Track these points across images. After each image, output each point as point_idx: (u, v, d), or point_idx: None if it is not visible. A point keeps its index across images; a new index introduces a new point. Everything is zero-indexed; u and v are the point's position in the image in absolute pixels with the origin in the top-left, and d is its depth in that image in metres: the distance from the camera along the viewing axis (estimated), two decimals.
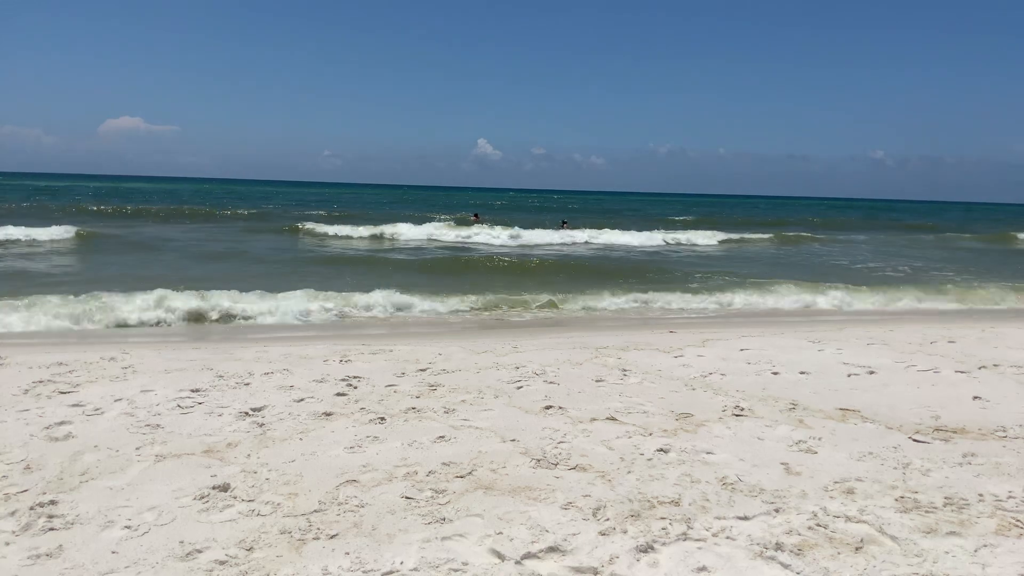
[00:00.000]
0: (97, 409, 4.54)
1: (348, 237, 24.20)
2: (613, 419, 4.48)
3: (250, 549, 2.77)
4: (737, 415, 4.62)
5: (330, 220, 29.77)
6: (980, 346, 7.26)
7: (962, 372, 5.97)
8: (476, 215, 35.94)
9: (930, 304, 12.44)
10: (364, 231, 25.07)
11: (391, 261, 17.70)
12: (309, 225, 25.81)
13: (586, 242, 24.72)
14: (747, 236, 27.66)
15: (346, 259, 17.82)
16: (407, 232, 25.34)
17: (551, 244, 24.23)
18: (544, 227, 27.98)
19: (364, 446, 3.93)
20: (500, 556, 2.72)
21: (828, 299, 12.29)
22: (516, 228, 26.35)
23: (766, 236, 27.90)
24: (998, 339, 7.76)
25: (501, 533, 2.90)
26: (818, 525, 2.99)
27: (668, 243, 25.35)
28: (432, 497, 3.26)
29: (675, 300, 11.97)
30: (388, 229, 25.47)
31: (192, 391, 5.03)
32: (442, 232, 26.00)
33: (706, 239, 26.26)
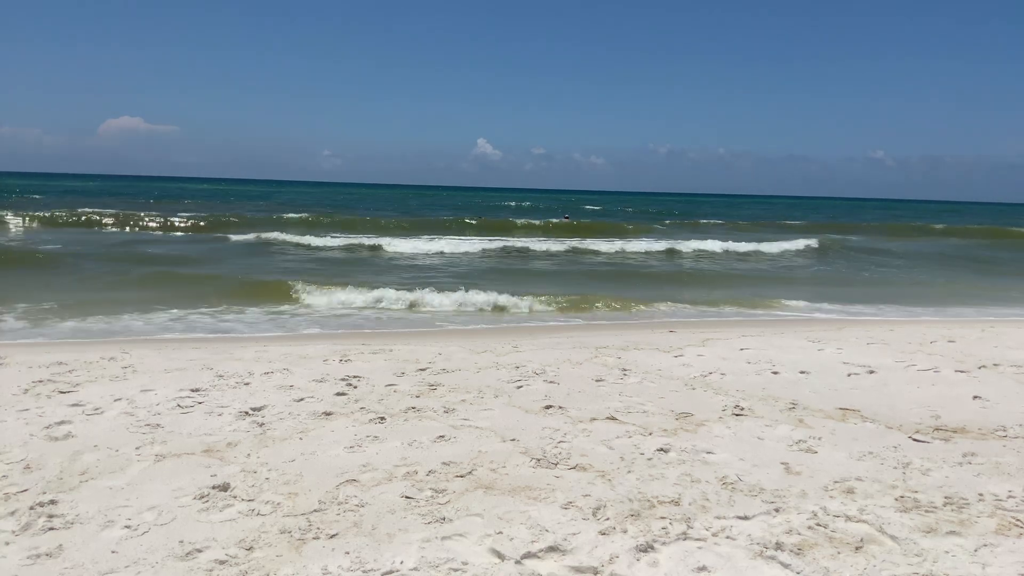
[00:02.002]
0: (97, 409, 4.53)
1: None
2: (613, 419, 4.48)
3: (250, 549, 2.76)
4: (737, 415, 4.62)
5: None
6: (980, 346, 7.26)
7: (962, 372, 5.97)
8: (481, 218, 35.80)
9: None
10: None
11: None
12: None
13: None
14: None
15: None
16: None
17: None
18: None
19: (364, 446, 3.93)
20: (500, 556, 2.72)
21: None
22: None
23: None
24: (998, 339, 7.76)
25: (501, 533, 2.90)
26: (818, 525, 2.99)
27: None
28: (432, 497, 3.26)
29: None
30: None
31: (192, 391, 5.03)
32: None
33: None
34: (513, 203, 67.23)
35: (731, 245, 23.69)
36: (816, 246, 24.67)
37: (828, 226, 38.90)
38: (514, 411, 4.65)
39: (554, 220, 34.00)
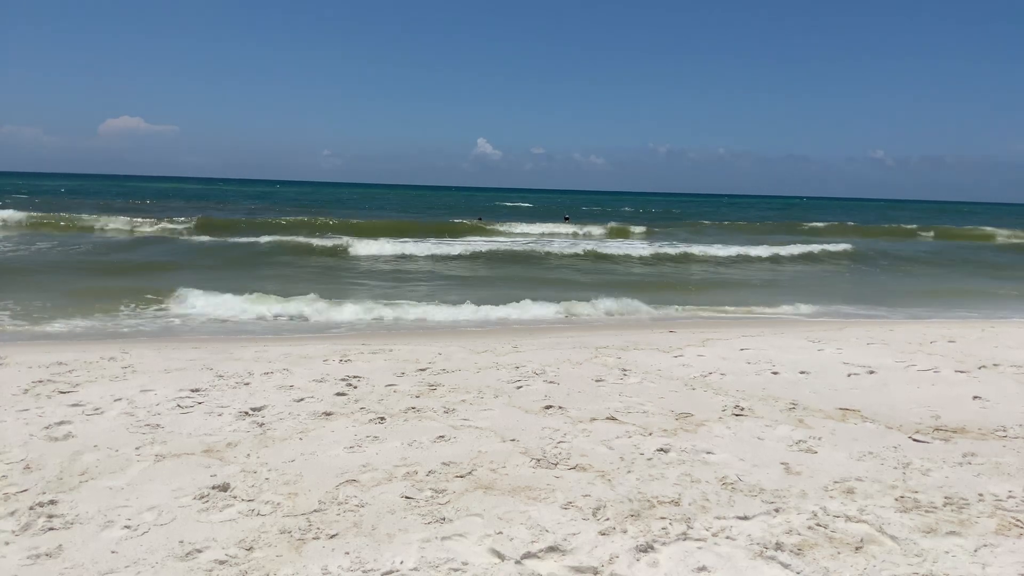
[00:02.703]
0: (97, 409, 4.53)
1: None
2: (613, 419, 4.48)
3: (250, 549, 2.76)
4: (737, 415, 4.62)
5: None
6: (980, 346, 7.26)
7: (962, 372, 5.97)
8: (480, 218, 35.29)
9: None
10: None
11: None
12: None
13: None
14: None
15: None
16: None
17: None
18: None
19: (364, 446, 3.93)
20: (500, 556, 2.72)
21: None
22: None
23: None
24: (998, 339, 7.76)
25: (501, 533, 2.90)
26: (818, 525, 2.98)
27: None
28: (432, 497, 3.26)
29: None
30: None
31: (192, 391, 5.03)
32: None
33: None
34: (511, 204, 66.80)
35: (746, 249, 22.03)
36: (850, 250, 22.79)
37: (847, 228, 36.92)
38: (514, 411, 4.65)
39: (553, 224, 33.33)
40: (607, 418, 4.50)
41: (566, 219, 36.01)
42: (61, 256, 16.76)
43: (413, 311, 10.51)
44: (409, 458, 3.75)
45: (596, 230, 31.44)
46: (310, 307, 10.37)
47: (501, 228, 30.83)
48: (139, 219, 25.83)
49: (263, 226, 26.37)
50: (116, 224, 24.76)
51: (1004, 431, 4.34)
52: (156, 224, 25.17)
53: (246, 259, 17.66)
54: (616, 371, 5.88)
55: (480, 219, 34.03)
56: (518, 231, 30.18)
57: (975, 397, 5.14)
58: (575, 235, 29.65)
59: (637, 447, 3.94)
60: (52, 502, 3.13)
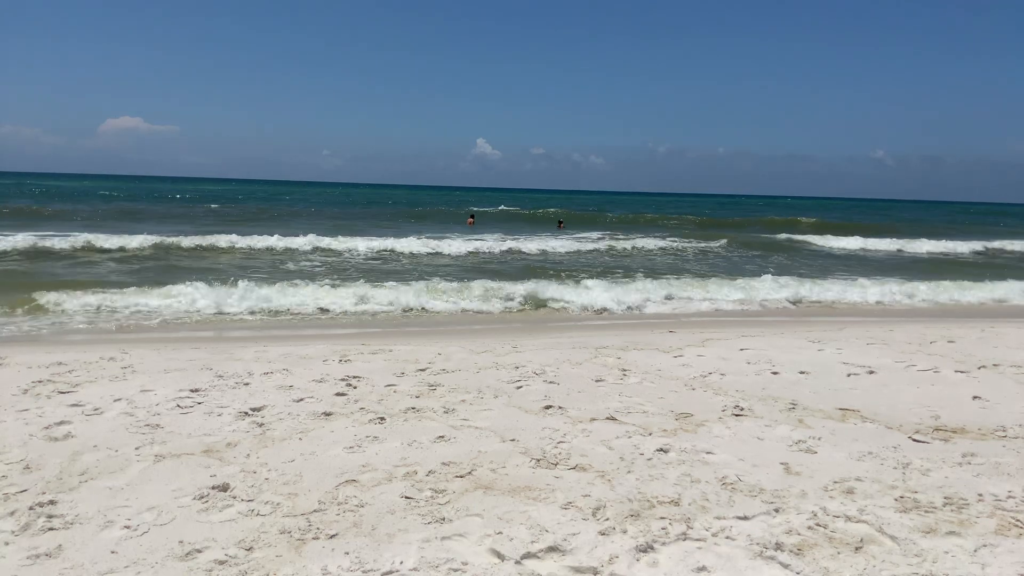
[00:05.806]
0: (96, 409, 4.53)
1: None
2: (613, 419, 4.48)
3: (250, 549, 2.76)
4: (737, 415, 4.62)
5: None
6: (980, 346, 7.26)
7: (962, 372, 5.97)
8: (472, 218, 34.53)
9: None
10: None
11: None
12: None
13: None
14: None
15: None
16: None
17: None
18: None
19: (364, 446, 3.93)
20: (500, 556, 2.72)
21: None
22: None
23: None
24: (998, 339, 7.76)
25: (501, 533, 2.90)
26: (818, 525, 2.99)
27: None
28: (432, 497, 3.26)
29: None
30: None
31: (192, 391, 5.03)
32: None
33: None
34: (506, 208, 61.58)
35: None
36: None
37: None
38: (514, 411, 4.65)
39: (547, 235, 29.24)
40: (607, 418, 4.50)
41: (560, 224, 33.87)
42: None
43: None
44: (409, 458, 3.75)
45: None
46: None
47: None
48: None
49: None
50: None
51: (1004, 431, 4.34)
52: None
53: None
54: (616, 371, 5.88)
55: (472, 219, 33.12)
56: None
57: (975, 397, 5.14)
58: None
59: (637, 447, 3.94)
60: (52, 502, 3.13)
